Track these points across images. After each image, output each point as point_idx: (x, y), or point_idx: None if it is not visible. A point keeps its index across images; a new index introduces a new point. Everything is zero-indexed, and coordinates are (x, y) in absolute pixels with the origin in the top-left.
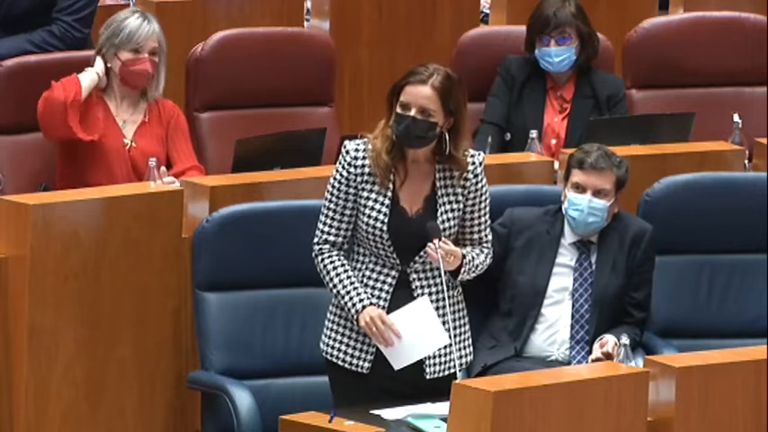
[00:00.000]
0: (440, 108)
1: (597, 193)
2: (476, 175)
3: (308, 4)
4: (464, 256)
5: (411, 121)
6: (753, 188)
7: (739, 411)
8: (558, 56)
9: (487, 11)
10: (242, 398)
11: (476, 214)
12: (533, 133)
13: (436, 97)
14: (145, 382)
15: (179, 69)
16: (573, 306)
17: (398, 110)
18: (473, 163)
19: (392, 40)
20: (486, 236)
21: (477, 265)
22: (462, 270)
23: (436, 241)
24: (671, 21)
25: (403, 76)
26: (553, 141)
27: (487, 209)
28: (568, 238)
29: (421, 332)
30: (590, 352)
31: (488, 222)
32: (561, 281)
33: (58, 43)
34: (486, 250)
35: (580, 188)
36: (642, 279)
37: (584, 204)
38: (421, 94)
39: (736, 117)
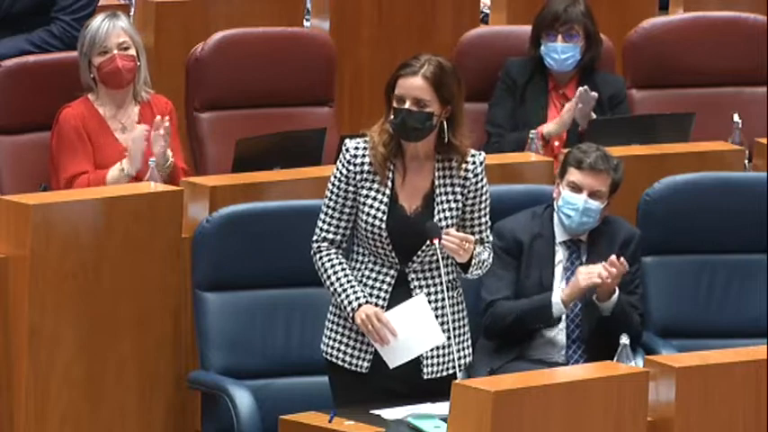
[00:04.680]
0: (434, 97)
1: (593, 194)
2: (476, 174)
3: (308, 4)
4: (472, 257)
5: (406, 114)
6: (753, 188)
7: (739, 411)
8: (564, 52)
9: (487, 11)
10: (242, 398)
11: (476, 214)
12: (533, 133)
13: (429, 87)
14: (145, 382)
15: (179, 69)
16: None
17: (394, 104)
18: (474, 162)
19: (392, 40)
20: (487, 236)
21: (483, 261)
22: (473, 263)
23: (450, 230)
24: (671, 21)
25: (396, 70)
26: (556, 143)
27: (488, 209)
28: (559, 237)
29: (417, 330)
30: (586, 351)
31: (489, 223)
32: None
33: (58, 43)
34: (488, 249)
35: (576, 188)
36: (633, 280)
37: (579, 204)
38: (413, 86)
39: (736, 117)
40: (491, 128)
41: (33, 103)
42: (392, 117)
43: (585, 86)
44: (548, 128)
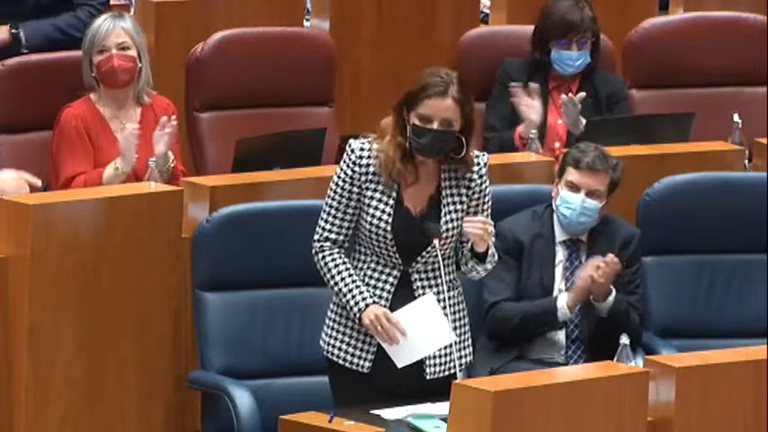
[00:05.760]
0: (459, 116)
1: (591, 193)
2: (481, 176)
3: (308, 4)
4: (488, 248)
5: (435, 134)
6: (753, 188)
7: (739, 411)
8: (578, 59)
9: (487, 11)
10: (242, 398)
11: (479, 215)
12: (534, 133)
13: (457, 107)
14: (145, 382)
15: (179, 69)
16: None
17: (417, 122)
18: (478, 164)
19: (392, 40)
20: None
21: (494, 254)
22: (489, 253)
23: (472, 217)
24: (671, 21)
25: (419, 88)
26: (557, 144)
27: (490, 210)
28: (559, 236)
29: (426, 330)
30: (586, 351)
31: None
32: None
33: (83, 28)
34: (491, 248)
35: (574, 187)
36: (633, 280)
37: (577, 204)
38: (443, 107)
39: (736, 117)
40: (488, 133)
41: (34, 102)
42: (414, 135)
43: (570, 96)
44: (521, 128)
